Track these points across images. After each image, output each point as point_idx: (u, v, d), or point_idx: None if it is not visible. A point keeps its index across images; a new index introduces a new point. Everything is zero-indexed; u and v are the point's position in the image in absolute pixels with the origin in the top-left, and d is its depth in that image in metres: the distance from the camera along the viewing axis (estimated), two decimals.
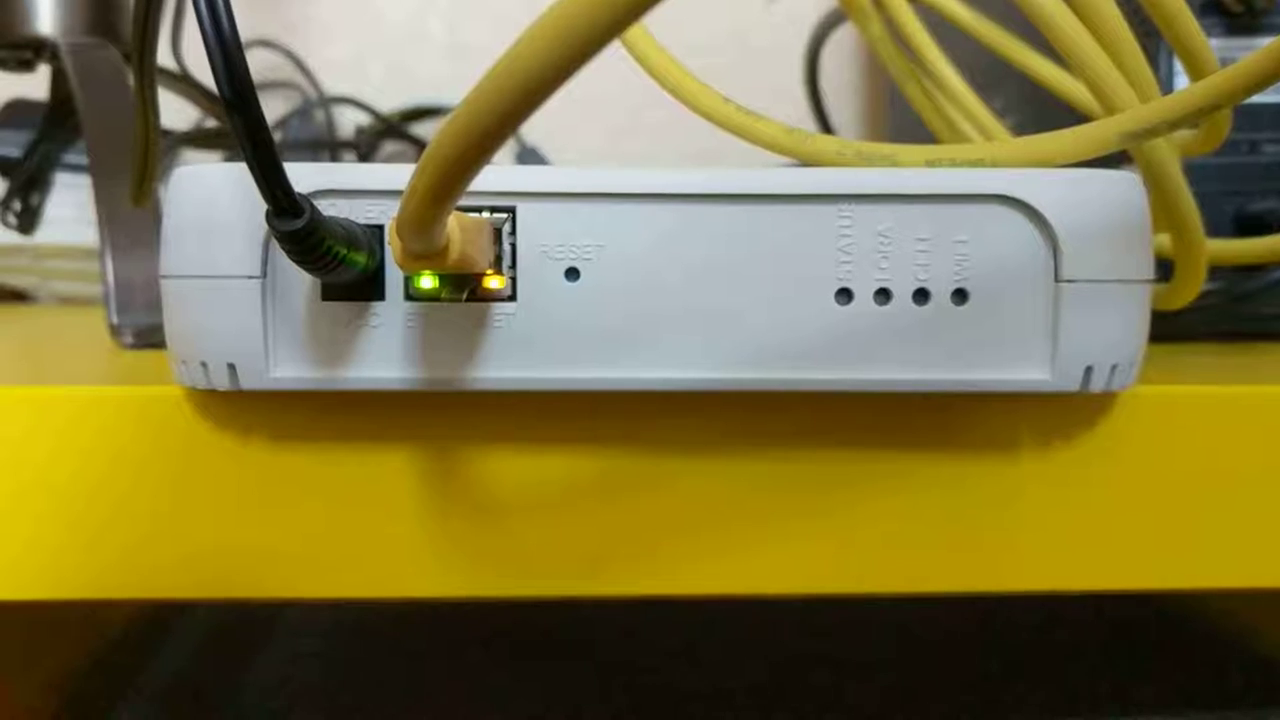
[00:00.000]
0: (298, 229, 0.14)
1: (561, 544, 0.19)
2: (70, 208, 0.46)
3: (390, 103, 0.58)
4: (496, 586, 0.19)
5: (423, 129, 0.58)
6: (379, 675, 0.37)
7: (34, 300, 0.51)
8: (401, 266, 0.15)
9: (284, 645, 0.40)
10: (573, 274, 0.17)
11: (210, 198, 0.17)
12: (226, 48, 0.13)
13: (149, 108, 0.19)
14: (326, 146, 0.54)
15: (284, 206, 0.14)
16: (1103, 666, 0.39)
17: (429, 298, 0.17)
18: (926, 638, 0.42)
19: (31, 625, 0.32)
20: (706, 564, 0.19)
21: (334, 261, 0.15)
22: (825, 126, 0.51)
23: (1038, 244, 0.17)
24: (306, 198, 0.14)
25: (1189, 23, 0.19)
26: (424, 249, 0.14)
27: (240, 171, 0.17)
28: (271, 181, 0.14)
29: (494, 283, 0.17)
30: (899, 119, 0.53)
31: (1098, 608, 0.43)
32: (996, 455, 0.19)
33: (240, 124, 0.13)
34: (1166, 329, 0.26)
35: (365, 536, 0.19)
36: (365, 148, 0.55)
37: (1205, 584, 0.20)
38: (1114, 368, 0.18)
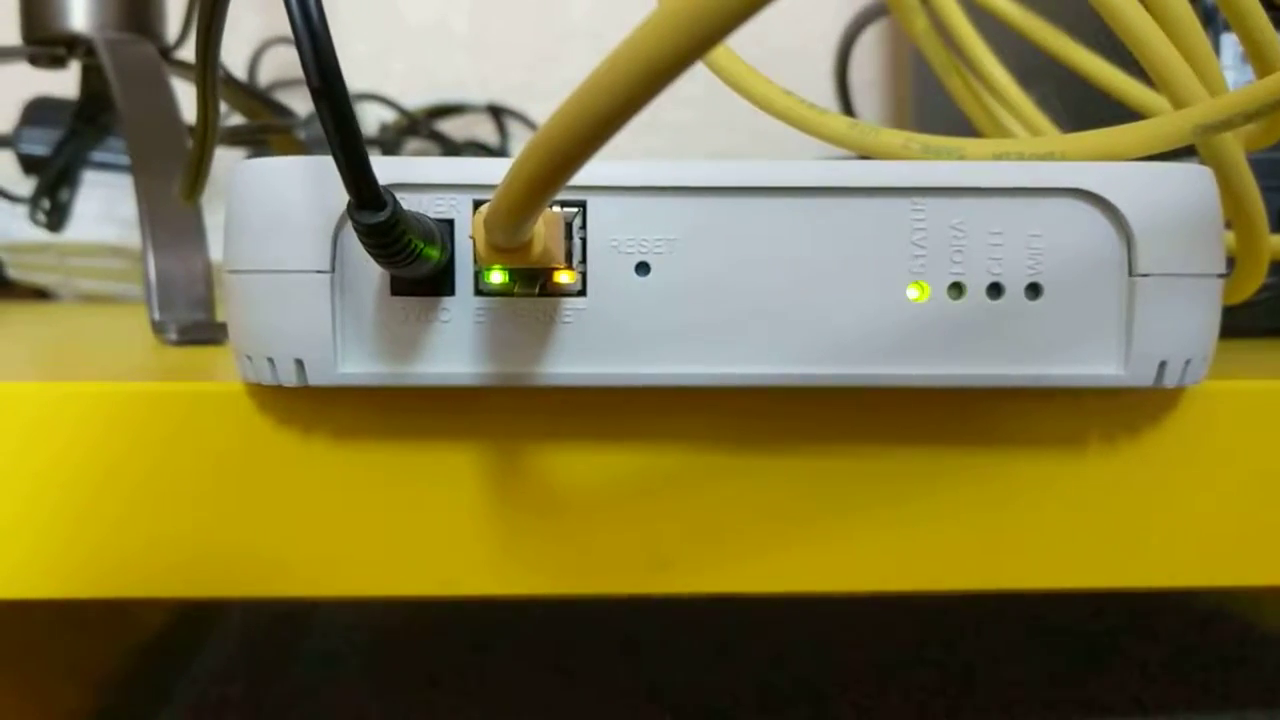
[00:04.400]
0: (381, 221, 0.14)
1: (629, 542, 0.19)
2: (95, 205, 0.46)
3: (412, 100, 0.58)
4: (563, 585, 0.19)
5: (447, 126, 0.58)
6: (418, 675, 0.37)
7: (57, 298, 0.51)
8: (482, 260, 0.14)
9: (324, 646, 0.40)
10: (643, 269, 0.17)
11: (277, 191, 0.17)
12: (316, 37, 0.13)
13: (210, 104, 0.19)
14: None
15: (368, 198, 0.14)
16: (1166, 664, 0.39)
17: (499, 293, 0.17)
18: (974, 634, 0.41)
19: (75, 623, 0.32)
20: (775, 561, 0.19)
21: (411, 255, 0.15)
22: None
23: (1112, 238, 0.17)
24: (389, 190, 0.14)
25: (1260, 17, 0.19)
26: (510, 242, 0.14)
27: (308, 164, 0.17)
28: (357, 173, 0.14)
29: (564, 277, 0.17)
30: (921, 118, 0.53)
31: (1161, 604, 0.43)
32: (1063, 451, 0.19)
33: (328, 112, 0.13)
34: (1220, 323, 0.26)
35: (429, 534, 0.19)
36: (389, 145, 0.55)
37: (1274, 581, 0.19)
38: (1187, 363, 0.18)
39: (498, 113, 0.59)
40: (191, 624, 0.41)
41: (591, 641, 0.40)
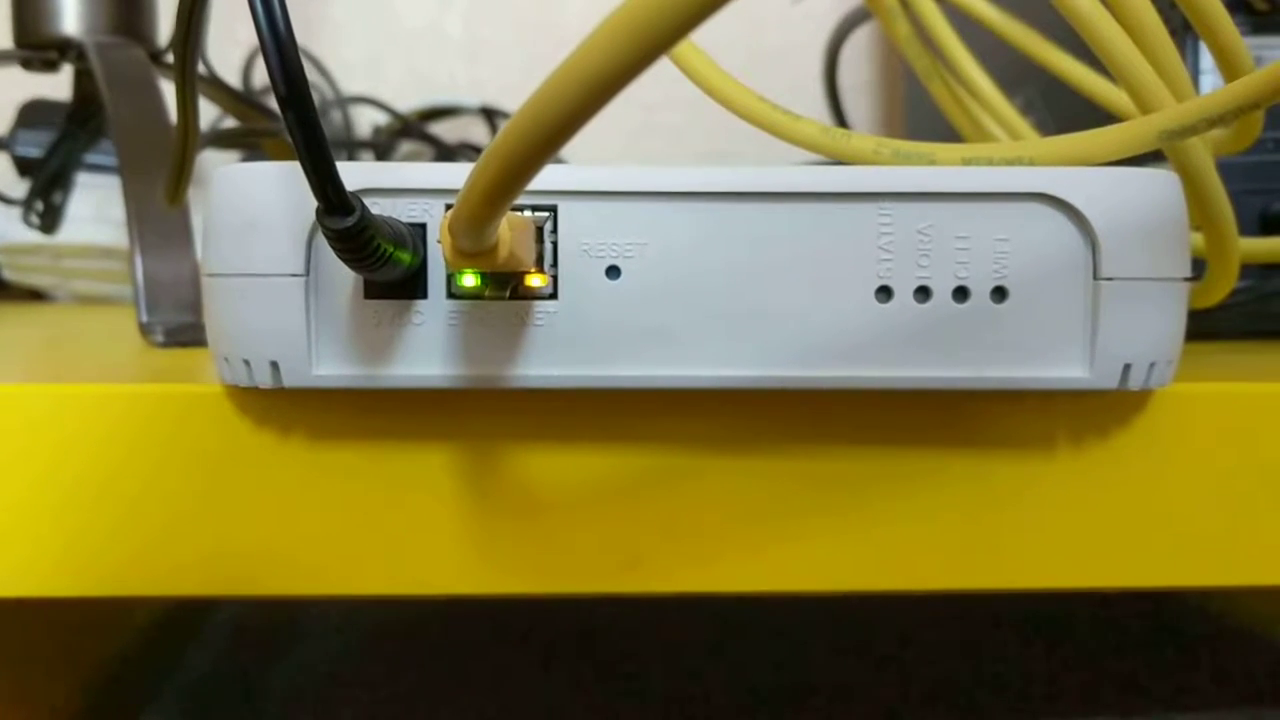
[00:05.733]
0: (348, 227, 0.14)
1: (601, 542, 0.19)
2: (89, 207, 0.46)
3: (407, 103, 0.59)
4: (536, 584, 0.19)
5: (440, 128, 0.58)
6: (406, 675, 0.37)
7: (52, 299, 0.52)
8: (450, 264, 0.15)
9: (311, 646, 0.40)
10: (614, 272, 0.17)
11: (254, 196, 0.17)
12: (281, 44, 0.13)
13: (190, 108, 0.19)
14: (344, 146, 0.54)
15: (335, 204, 0.14)
16: (1134, 664, 0.39)
17: (471, 296, 0.17)
18: (952, 634, 0.42)
19: (62, 622, 0.32)
20: (745, 561, 0.19)
21: (381, 260, 0.15)
22: (842, 125, 0.51)
23: (1077, 242, 0.17)
24: (357, 195, 0.14)
25: (1225, 23, 0.19)
26: (476, 247, 0.14)
27: (283, 170, 0.17)
28: (324, 179, 0.14)
29: (536, 281, 0.17)
30: (915, 119, 0.53)
31: (1129, 604, 0.43)
32: (1032, 453, 0.19)
33: (294, 120, 0.13)
34: (1193, 327, 0.26)
35: (404, 534, 0.19)
36: (383, 147, 0.55)
37: (1241, 581, 0.20)
38: (1152, 365, 0.18)
39: (491, 115, 0.59)
40: (179, 622, 0.41)
41: (591, 642, 0.41)
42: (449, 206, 0.17)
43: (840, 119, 0.51)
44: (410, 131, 0.56)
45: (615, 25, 0.10)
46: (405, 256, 0.16)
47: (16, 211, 0.44)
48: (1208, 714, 0.35)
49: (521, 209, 0.17)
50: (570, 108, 0.10)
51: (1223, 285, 0.22)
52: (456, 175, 0.17)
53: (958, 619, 0.43)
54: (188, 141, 0.20)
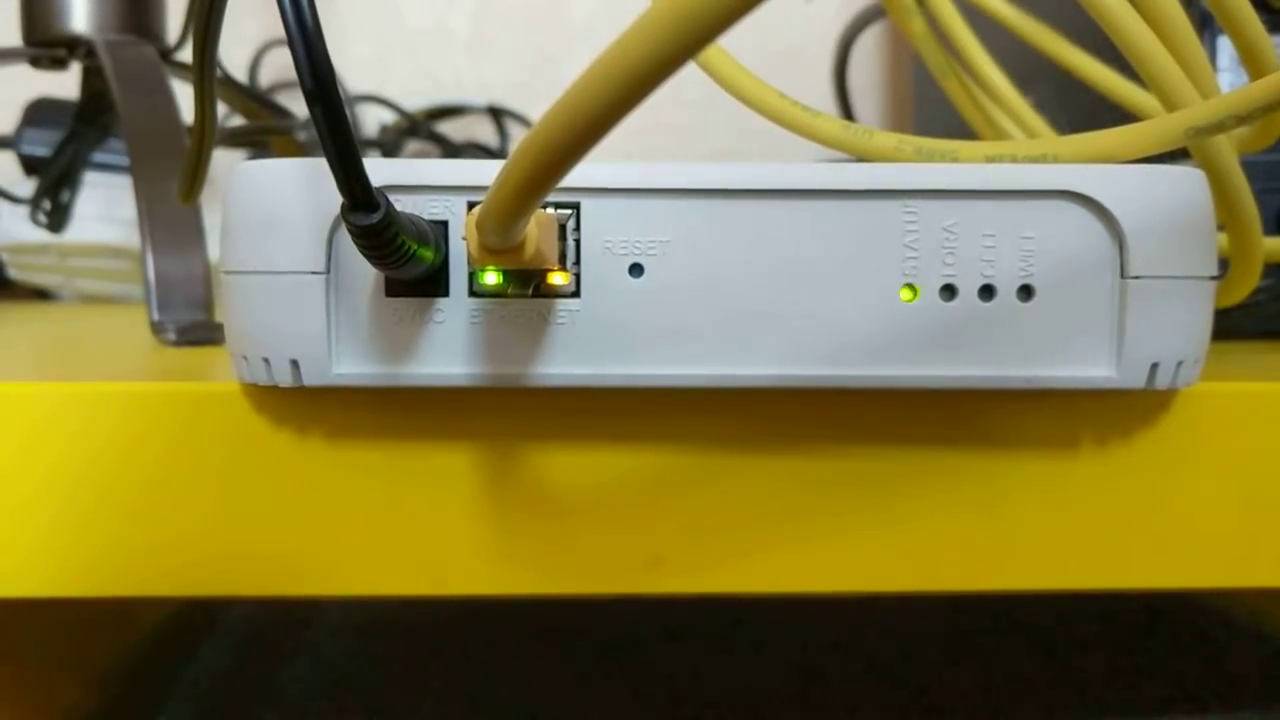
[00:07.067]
0: (373, 223, 0.14)
1: (622, 542, 0.19)
2: (96, 205, 0.46)
3: (413, 102, 0.58)
4: (556, 585, 0.19)
5: (447, 127, 0.58)
6: (417, 675, 0.37)
7: (58, 299, 0.51)
8: (475, 261, 0.15)
9: (325, 646, 0.40)
10: (637, 270, 0.17)
11: (273, 193, 0.17)
12: (309, 38, 0.13)
13: (208, 106, 0.19)
14: None
15: (361, 200, 0.14)
16: (1139, 664, 0.39)
17: (493, 294, 0.17)
18: (954, 635, 0.41)
19: (75, 622, 0.32)
20: (768, 562, 0.19)
21: (405, 257, 0.15)
22: None
23: (1104, 240, 0.17)
24: (382, 192, 0.14)
25: (1251, 18, 0.19)
26: (503, 244, 0.14)
27: (303, 166, 0.17)
28: (350, 175, 0.14)
29: (558, 279, 0.17)
30: (922, 122, 0.53)
31: (1134, 603, 0.43)
32: (1055, 453, 0.19)
33: (321, 115, 0.13)
34: (1213, 326, 0.26)
35: (424, 534, 0.19)
36: (389, 146, 0.55)
37: (1268, 583, 0.19)
38: (1179, 365, 0.18)
39: (498, 114, 0.59)
40: (192, 621, 0.41)
41: (593, 641, 0.40)
42: (471, 204, 0.17)
43: (849, 120, 0.51)
44: (417, 130, 0.56)
45: (659, 13, 0.09)
46: (428, 254, 0.16)
47: (23, 210, 0.43)
48: (1213, 715, 0.35)
49: (544, 206, 0.17)
50: (610, 99, 0.10)
51: (1245, 284, 0.22)
52: (479, 172, 0.17)
53: (960, 620, 0.43)
54: (204, 138, 0.20)
